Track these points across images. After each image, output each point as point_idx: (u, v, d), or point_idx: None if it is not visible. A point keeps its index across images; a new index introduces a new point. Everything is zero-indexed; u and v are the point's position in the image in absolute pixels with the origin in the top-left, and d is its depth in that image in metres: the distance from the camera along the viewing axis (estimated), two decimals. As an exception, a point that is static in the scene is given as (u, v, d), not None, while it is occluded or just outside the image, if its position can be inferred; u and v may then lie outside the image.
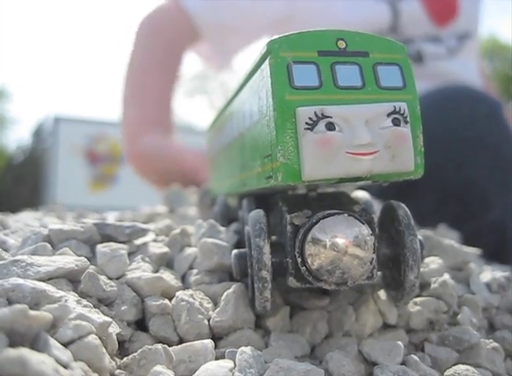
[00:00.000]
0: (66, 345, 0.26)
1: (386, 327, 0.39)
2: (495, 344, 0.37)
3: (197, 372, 0.30)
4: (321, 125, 0.31)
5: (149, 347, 0.31)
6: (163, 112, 0.97)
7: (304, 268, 0.33)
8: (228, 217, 0.50)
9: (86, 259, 0.36)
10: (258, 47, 0.34)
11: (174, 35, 0.97)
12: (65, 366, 0.24)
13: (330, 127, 0.31)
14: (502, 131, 0.72)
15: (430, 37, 0.93)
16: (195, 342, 0.33)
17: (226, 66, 1.05)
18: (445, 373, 0.34)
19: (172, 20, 0.96)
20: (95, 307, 0.33)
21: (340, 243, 0.31)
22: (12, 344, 0.23)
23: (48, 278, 0.33)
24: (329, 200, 0.37)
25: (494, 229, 0.67)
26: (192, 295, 0.37)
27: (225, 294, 0.37)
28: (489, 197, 0.68)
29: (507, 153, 0.70)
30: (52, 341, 0.25)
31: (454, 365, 0.35)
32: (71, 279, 0.35)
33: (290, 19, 0.94)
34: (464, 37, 0.96)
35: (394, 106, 0.31)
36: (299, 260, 0.33)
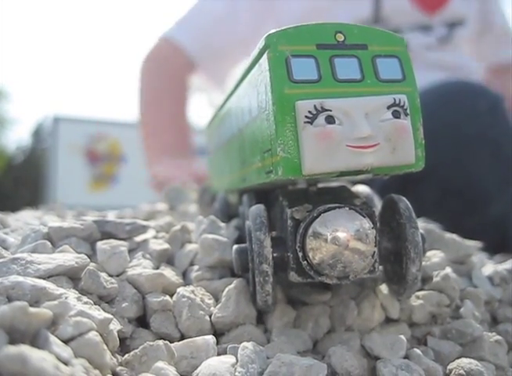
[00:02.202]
0: (66, 341, 0.26)
1: (388, 321, 0.39)
2: (498, 337, 0.37)
3: (199, 368, 0.30)
4: (321, 119, 0.30)
5: (151, 343, 0.30)
6: (178, 138, 1.06)
7: (305, 262, 0.33)
8: (228, 213, 0.50)
9: (86, 256, 0.36)
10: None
11: (174, 69, 1.06)
12: (65, 363, 0.24)
13: (330, 120, 0.30)
14: (504, 126, 0.71)
15: (419, 26, 0.93)
16: (196, 338, 0.33)
17: (221, 86, 1.11)
18: (448, 366, 0.34)
19: (168, 56, 1.05)
20: (95, 304, 0.32)
21: (342, 237, 0.31)
22: (13, 341, 0.23)
23: (48, 276, 0.33)
24: (329, 195, 0.36)
25: (496, 224, 0.67)
26: (193, 291, 0.37)
27: (227, 289, 0.37)
28: (490, 192, 0.68)
29: (508, 147, 0.69)
30: (53, 338, 0.25)
31: (457, 358, 0.35)
32: (71, 276, 0.35)
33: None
34: (456, 24, 0.95)
35: (394, 99, 0.31)
36: (300, 254, 0.33)
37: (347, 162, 0.31)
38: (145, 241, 0.42)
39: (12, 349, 0.22)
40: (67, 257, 0.35)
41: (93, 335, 0.27)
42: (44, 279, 0.32)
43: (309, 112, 0.30)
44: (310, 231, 0.32)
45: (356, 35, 0.33)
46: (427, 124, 0.34)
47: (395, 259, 0.36)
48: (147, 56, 1.08)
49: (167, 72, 1.05)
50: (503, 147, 0.69)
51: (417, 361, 0.33)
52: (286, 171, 0.31)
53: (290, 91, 0.31)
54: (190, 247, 0.42)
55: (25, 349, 0.22)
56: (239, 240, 0.42)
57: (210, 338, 0.33)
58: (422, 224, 0.49)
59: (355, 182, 0.48)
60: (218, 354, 0.32)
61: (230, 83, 0.44)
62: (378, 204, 0.43)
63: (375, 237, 0.32)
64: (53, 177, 4.15)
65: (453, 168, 0.67)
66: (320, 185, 0.38)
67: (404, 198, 0.36)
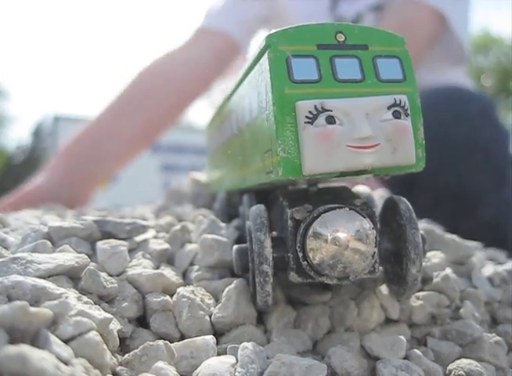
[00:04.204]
0: (66, 341, 0.26)
1: (388, 321, 0.39)
2: (498, 338, 0.37)
3: (199, 368, 0.30)
4: (321, 119, 0.30)
5: (151, 343, 0.30)
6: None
7: (305, 262, 0.33)
8: (228, 213, 0.50)
9: (86, 256, 0.36)
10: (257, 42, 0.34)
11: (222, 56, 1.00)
12: (66, 363, 0.24)
13: (331, 120, 0.30)
14: (494, 130, 0.72)
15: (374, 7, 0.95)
16: (196, 338, 0.32)
17: None
18: (448, 367, 0.34)
19: (212, 47, 0.99)
20: (95, 304, 0.32)
21: (342, 237, 0.31)
22: (13, 341, 0.23)
23: (48, 275, 0.33)
24: (330, 195, 0.36)
25: (489, 226, 0.67)
26: (193, 291, 0.37)
27: (227, 289, 0.37)
28: (483, 195, 0.68)
29: (499, 150, 0.70)
30: (53, 338, 0.25)
31: (457, 359, 0.35)
32: (72, 276, 0.35)
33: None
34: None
35: (395, 99, 0.31)
36: (300, 255, 0.33)
37: (348, 162, 0.31)
38: (145, 241, 0.42)
39: (13, 349, 0.22)
40: (67, 256, 0.35)
41: (93, 335, 0.27)
42: (44, 278, 0.32)
43: (309, 112, 0.30)
44: (310, 231, 0.32)
45: (357, 35, 0.33)
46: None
47: (395, 260, 0.36)
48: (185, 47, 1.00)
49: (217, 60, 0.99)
50: (494, 150, 0.70)
51: (417, 362, 0.33)
52: (286, 172, 0.31)
53: (290, 91, 0.31)
54: (190, 247, 0.42)
55: (25, 349, 0.22)
56: (240, 240, 0.42)
57: (210, 338, 0.33)
58: (422, 225, 0.49)
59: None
60: (218, 354, 0.32)
61: (231, 83, 0.44)
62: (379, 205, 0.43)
63: (375, 238, 0.32)
64: (53, 176, 4.14)
65: (445, 172, 0.68)
66: (320, 185, 0.38)
67: (404, 199, 0.36)
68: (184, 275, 0.41)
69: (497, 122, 0.73)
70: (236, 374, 0.29)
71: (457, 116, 0.69)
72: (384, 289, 0.39)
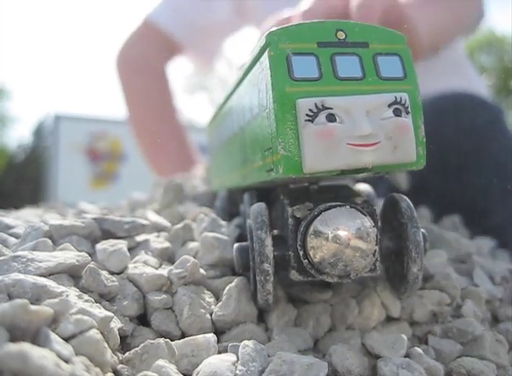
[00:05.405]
0: (67, 339, 0.26)
1: (389, 319, 0.39)
2: (499, 336, 0.37)
3: (200, 366, 0.30)
4: (321, 117, 0.30)
5: (152, 341, 0.30)
6: (176, 143, 1.06)
7: (306, 261, 0.33)
8: (229, 212, 0.50)
9: (87, 254, 0.36)
10: (256, 40, 0.34)
11: (154, 56, 1.03)
12: (66, 361, 0.24)
13: (331, 118, 0.30)
14: (503, 138, 0.71)
15: None
16: (197, 336, 0.32)
17: (212, 65, 1.10)
18: (449, 365, 0.34)
19: (148, 44, 1.02)
20: (96, 302, 0.32)
21: (343, 235, 0.31)
22: (13, 339, 0.23)
23: (48, 273, 0.33)
24: (330, 193, 0.36)
25: (494, 235, 0.67)
26: (194, 290, 0.36)
27: (228, 288, 0.37)
28: (490, 205, 0.68)
29: (508, 160, 0.69)
30: (53, 336, 0.25)
31: (458, 357, 0.35)
32: (72, 274, 0.35)
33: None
34: None
35: (395, 97, 0.31)
36: (301, 253, 0.33)
37: (348, 160, 0.30)
38: (145, 239, 0.42)
39: (13, 347, 0.22)
40: (68, 255, 0.35)
41: (94, 333, 0.27)
42: (45, 277, 0.32)
43: (310, 110, 0.30)
44: (311, 229, 0.32)
45: (357, 33, 0.33)
46: (426, 136, 0.33)
47: (397, 258, 0.36)
48: (122, 51, 1.03)
49: (148, 67, 1.03)
50: (503, 160, 0.69)
51: (418, 360, 0.33)
52: (286, 170, 0.31)
53: (290, 89, 0.31)
54: (192, 245, 0.42)
55: (26, 347, 0.22)
56: (240, 238, 0.42)
57: (211, 337, 0.33)
58: (423, 223, 0.49)
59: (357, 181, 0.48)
60: (219, 352, 0.32)
61: (231, 81, 0.44)
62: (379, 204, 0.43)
63: (376, 236, 0.32)
64: (54, 175, 4.16)
65: (452, 180, 0.67)
66: (321, 183, 0.38)
67: (406, 197, 0.36)
68: (185, 273, 0.41)
69: (506, 131, 0.72)
70: (237, 372, 0.29)
71: (466, 124, 0.68)
72: (385, 287, 0.39)
